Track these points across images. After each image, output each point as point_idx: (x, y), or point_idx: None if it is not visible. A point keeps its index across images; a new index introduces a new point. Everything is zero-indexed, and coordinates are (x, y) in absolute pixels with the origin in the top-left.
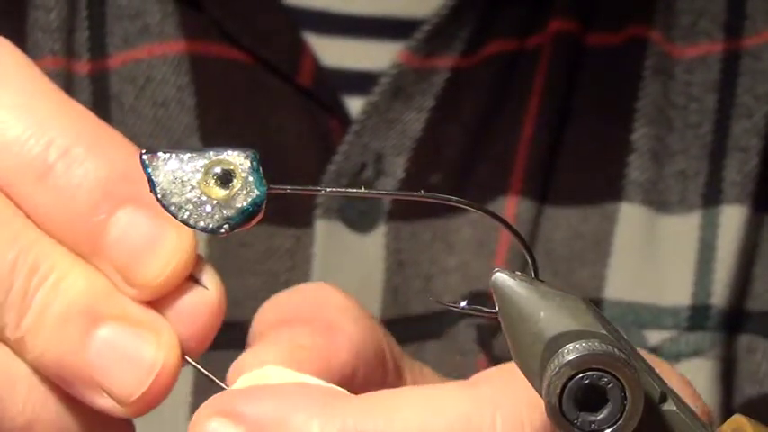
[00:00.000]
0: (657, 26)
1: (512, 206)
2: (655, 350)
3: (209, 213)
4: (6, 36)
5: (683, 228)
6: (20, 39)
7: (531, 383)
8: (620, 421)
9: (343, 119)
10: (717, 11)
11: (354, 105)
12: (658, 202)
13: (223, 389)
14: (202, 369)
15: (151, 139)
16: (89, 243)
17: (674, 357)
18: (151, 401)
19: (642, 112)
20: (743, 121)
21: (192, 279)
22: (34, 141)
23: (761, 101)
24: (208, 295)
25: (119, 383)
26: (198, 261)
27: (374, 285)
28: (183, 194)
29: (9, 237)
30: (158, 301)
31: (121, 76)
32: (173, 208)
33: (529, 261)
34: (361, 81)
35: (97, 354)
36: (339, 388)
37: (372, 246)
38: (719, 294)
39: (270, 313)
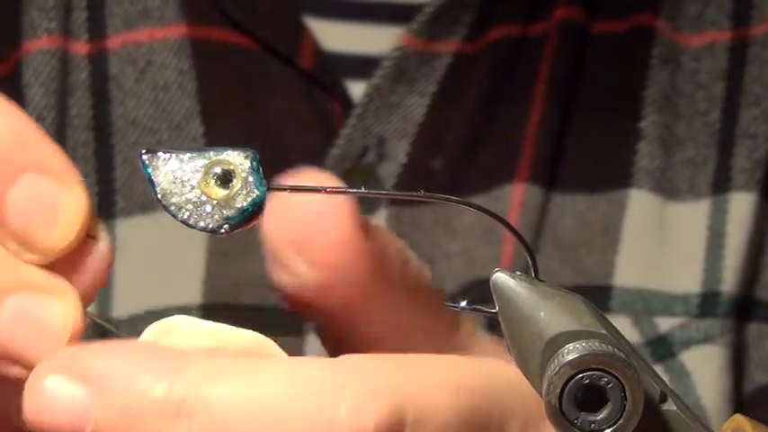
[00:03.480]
0: (664, 15)
1: (519, 193)
2: (665, 336)
3: (209, 213)
4: (2, 15)
5: (692, 215)
6: (16, 18)
7: (531, 384)
8: (620, 421)
9: (345, 103)
10: (723, 0)
11: (356, 89)
12: (668, 189)
13: (118, 337)
14: (104, 323)
15: (152, 122)
16: None
17: (684, 344)
18: None
19: (650, 99)
20: (752, 108)
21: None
22: None
23: None
24: (101, 249)
25: (31, 353)
26: None
27: None
28: (183, 194)
29: None
30: (55, 261)
31: (121, 57)
32: (173, 208)
33: (529, 261)
34: (362, 65)
35: (6, 327)
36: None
37: None
38: (729, 281)
39: None
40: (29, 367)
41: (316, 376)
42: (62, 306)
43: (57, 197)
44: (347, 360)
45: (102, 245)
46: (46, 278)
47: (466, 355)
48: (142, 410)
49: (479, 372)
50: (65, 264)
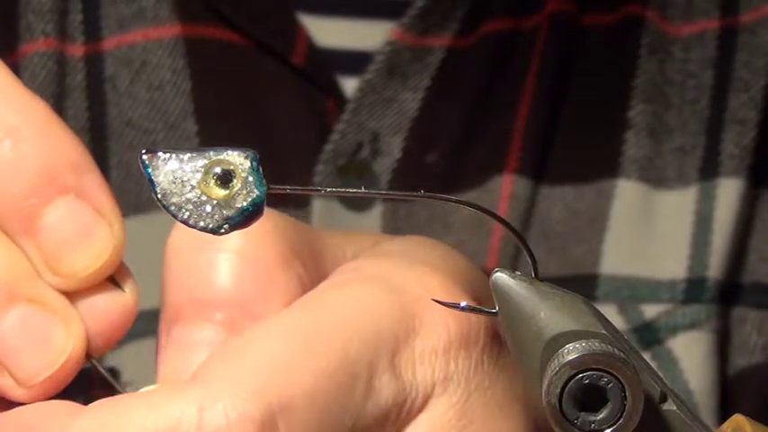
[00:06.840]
0: (653, 5)
1: (508, 184)
2: (651, 323)
3: (209, 213)
4: None
5: (680, 202)
6: (12, 21)
7: (531, 384)
8: (620, 421)
9: (339, 99)
10: None
11: (350, 85)
12: (656, 178)
13: (119, 392)
14: (102, 370)
15: (147, 123)
16: (22, 224)
17: (671, 330)
18: (50, 389)
19: (639, 89)
20: (740, 94)
21: (111, 280)
22: None
23: (758, 74)
24: (123, 298)
25: (25, 364)
26: (121, 263)
27: None
28: (183, 194)
29: None
30: (74, 295)
31: (116, 58)
32: (173, 208)
33: (529, 261)
34: (356, 61)
35: (7, 332)
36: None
37: (369, 224)
38: (716, 267)
39: None
40: (15, 378)
41: (176, 402)
42: (66, 331)
43: (91, 226)
44: (205, 370)
45: (128, 296)
46: (59, 300)
47: (330, 291)
48: None
49: (341, 316)
50: (84, 302)
